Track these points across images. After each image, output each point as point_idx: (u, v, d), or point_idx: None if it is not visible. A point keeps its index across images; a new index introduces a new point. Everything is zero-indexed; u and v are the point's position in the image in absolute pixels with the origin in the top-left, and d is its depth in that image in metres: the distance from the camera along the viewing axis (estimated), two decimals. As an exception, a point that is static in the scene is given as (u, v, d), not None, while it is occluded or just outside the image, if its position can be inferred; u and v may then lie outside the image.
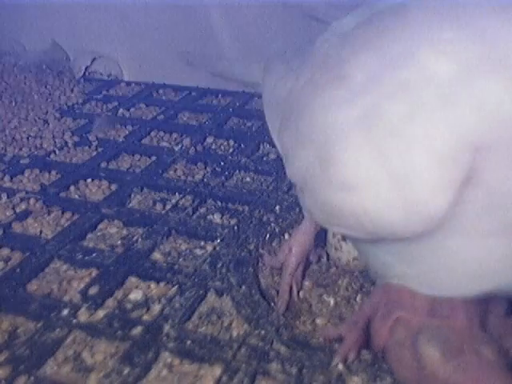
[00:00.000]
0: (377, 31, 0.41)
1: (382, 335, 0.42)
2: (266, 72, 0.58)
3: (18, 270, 0.58)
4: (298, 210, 0.65)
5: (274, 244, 0.63)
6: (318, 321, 0.52)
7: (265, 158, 0.82)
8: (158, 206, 0.70)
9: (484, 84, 0.33)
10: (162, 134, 0.92)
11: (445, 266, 0.39)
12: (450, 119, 0.33)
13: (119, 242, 0.63)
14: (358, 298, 0.55)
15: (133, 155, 0.84)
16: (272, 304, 0.53)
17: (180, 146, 0.86)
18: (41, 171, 0.79)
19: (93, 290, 0.54)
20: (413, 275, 0.42)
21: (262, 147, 0.86)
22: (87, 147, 0.87)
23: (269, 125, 0.55)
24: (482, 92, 0.33)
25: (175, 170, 0.79)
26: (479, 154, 0.33)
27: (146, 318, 0.51)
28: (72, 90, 1.10)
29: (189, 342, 0.48)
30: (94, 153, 0.85)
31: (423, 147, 0.34)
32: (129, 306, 0.53)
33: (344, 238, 0.56)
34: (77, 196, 0.73)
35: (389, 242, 0.39)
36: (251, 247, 0.60)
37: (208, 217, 0.68)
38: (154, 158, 0.83)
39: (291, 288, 0.55)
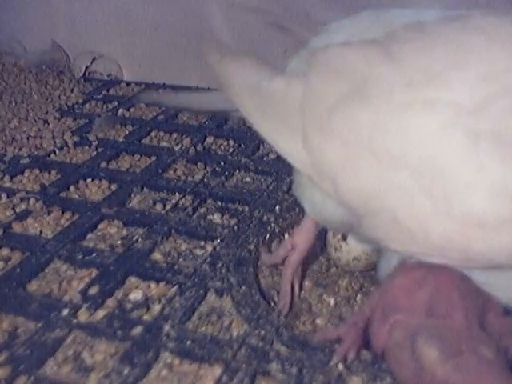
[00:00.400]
0: (449, 52, 0.38)
1: (381, 338, 0.42)
2: (230, 72, 0.50)
3: (18, 269, 0.58)
4: (297, 210, 0.65)
5: (274, 244, 0.63)
6: (318, 321, 0.52)
7: (265, 158, 0.82)
8: (158, 206, 0.70)
9: None
10: (161, 134, 0.92)
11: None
12: None
13: (119, 242, 0.63)
14: (358, 298, 0.55)
15: (133, 155, 0.84)
16: (272, 304, 0.54)
17: (180, 146, 0.86)
18: (41, 171, 0.79)
19: (93, 290, 0.55)
20: None
21: (261, 147, 0.86)
22: (87, 147, 0.87)
23: (267, 135, 0.50)
24: None
25: (175, 170, 0.79)
26: None
27: (146, 317, 0.51)
28: (72, 90, 1.10)
29: (189, 342, 0.48)
30: (94, 153, 0.85)
31: None
32: (129, 306, 0.53)
33: (344, 238, 0.56)
34: (77, 196, 0.73)
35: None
36: (251, 247, 0.60)
37: (208, 217, 0.68)
38: (153, 158, 0.83)
39: (293, 287, 0.54)
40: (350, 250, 0.56)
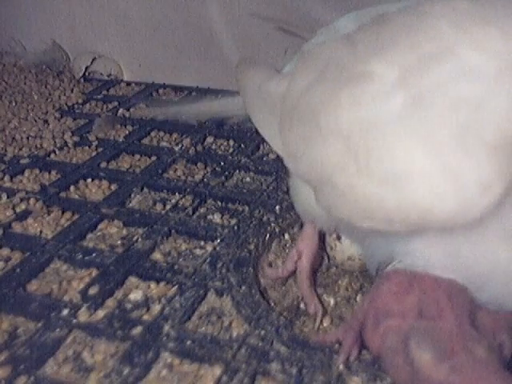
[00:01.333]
0: (399, 30, 0.41)
1: (375, 344, 0.42)
2: (242, 77, 0.58)
3: (18, 270, 0.58)
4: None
5: (274, 244, 0.63)
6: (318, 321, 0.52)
7: (265, 158, 0.82)
8: (158, 206, 0.70)
9: None
10: (161, 134, 0.92)
11: (479, 263, 0.39)
12: (498, 112, 0.34)
13: (119, 242, 0.63)
14: (357, 298, 0.55)
15: (133, 155, 0.84)
16: (272, 304, 0.54)
17: (180, 146, 0.86)
18: (41, 171, 0.79)
19: (93, 290, 0.54)
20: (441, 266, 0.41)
21: (261, 147, 0.86)
22: (87, 147, 0.87)
23: (259, 126, 0.55)
24: None
25: (175, 170, 0.79)
26: None
27: (146, 317, 0.51)
28: (72, 90, 1.10)
29: (189, 342, 0.48)
30: (94, 153, 0.85)
31: (475, 138, 0.34)
32: (129, 306, 0.53)
33: (338, 238, 0.56)
34: (77, 196, 0.73)
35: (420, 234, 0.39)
36: (251, 247, 0.60)
37: (208, 217, 0.68)
38: (154, 158, 0.83)
39: (315, 292, 0.55)
40: (344, 250, 0.56)
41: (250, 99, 0.56)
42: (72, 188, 0.74)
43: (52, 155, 0.84)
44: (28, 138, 0.89)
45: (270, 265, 0.60)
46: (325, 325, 0.52)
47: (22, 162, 0.81)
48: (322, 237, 0.58)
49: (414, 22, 0.41)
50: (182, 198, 0.71)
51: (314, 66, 0.46)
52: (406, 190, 0.36)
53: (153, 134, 0.92)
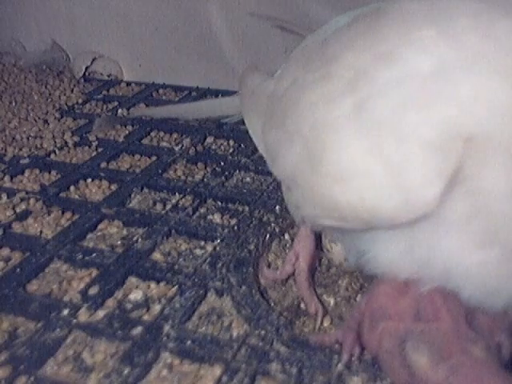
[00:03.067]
0: (360, 32, 0.42)
1: (373, 346, 0.42)
2: (242, 83, 0.60)
3: (18, 269, 0.58)
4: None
5: (274, 244, 0.63)
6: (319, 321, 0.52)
7: (265, 158, 0.82)
8: (158, 206, 0.70)
9: (464, 77, 0.35)
10: (162, 134, 0.92)
11: (432, 260, 0.39)
12: (438, 111, 0.35)
13: (119, 242, 0.63)
14: (357, 298, 0.55)
15: (133, 155, 0.84)
16: (272, 304, 0.54)
17: (180, 146, 0.86)
18: (41, 171, 0.79)
19: (93, 290, 0.55)
20: (401, 264, 0.42)
21: (262, 147, 0.86)
22: (87, 147, 0.87)
23: (249, 128, 0.57)
24: (463, 85, 0.35)
25: (175, 170, 0.79)
26: (468, 147, 0.34)
27: (146, 318, 0.51)
28: (72, 90, 1.10)
29: (189, 342, 0.48)
30: (94, 153, 0.85)
31: (415, 137, 0.35)
32: (129, 306, 0.53)
33: (333, 240, 0.56)
34: (77, 196, 0.73)
35: (380, 231, 0.40)
36: (251, 247, 0.60)
37: (208, 217, 0.68)
38: (154, 158, 0.83)
39: (315, 292, 0.55)
40: (341, 252, 0.56)
41: (245, 103, 0.58)
42: (72, 188, 0.74)
43: (52, 155, 0.84)
44: (28, 138, 0.89)
45: (269, 265, 0.60)
46: (325, 325, 0.52)
47: (22, 162, 0.81)
48: (318, 236, 0.58)
49: (374, 23, 0.42)
50: (182, 198, 0.71)
51: (293, 69, 0.48)
52: (353, 189, 0.38)
53: (153, 133, 0.92)
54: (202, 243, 0.63)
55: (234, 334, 0.49)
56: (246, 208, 0.69)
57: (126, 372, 0.45)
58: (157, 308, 0.53)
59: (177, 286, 0.55)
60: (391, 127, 0.36)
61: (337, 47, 0.44)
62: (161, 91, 1.11)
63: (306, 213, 0.44)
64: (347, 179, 0.38)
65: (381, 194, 0.37)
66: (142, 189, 0.74)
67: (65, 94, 1.08)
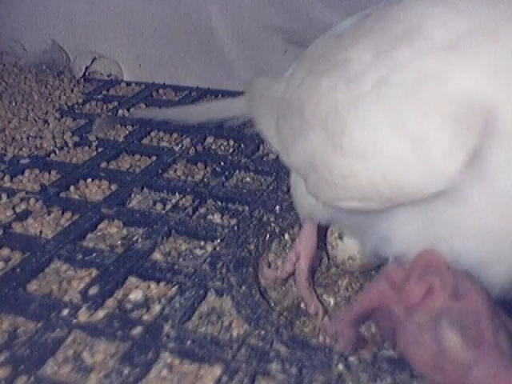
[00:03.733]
0: (376, 20, 0.43)
1: (415, 297, 0.41)
2: (251, 86, 0.61)
3: (18, 269, 0.58)
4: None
5: (274, 244, 0.63)
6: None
7: (265, 158, 0.82)
8: (158, 206, 0.70)
9: (480, 50, 0.36)
10: (161, 134, 0.92)
11: (453, 236, 0.40)
12: (460, 82, 0.35)
13: (119, 242, 0.63)
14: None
15: (133, 155, 0.84)
16: (272, 304, 0.54)
17: (180, 146, 0.86)
18: (41, 171, 0.79)
19: (93, 290, 0.54)
20: (421, 243, 0.42)
21: (261, 147, 0.86)
22: (87, 147, 0.87)
23: (260, 125, 0.58)
24: (480, 57, 0.35)
25: (175, 170, 0.79)
26: (491, 120, 0.35)
27: (146, 317, 0.51)
28: (72, 90, 1.10)
29: (189, 342, 0.48)
30: (94, 153, 0.85)
31: (437, 109, 0.36)
32: (129, 306, 0.53)
33: (340, 237, 0.56)
34: (77, 196, 0.73)
35: (397, 211, 0.41)
36: (251, 247, 0.60)
37: (208, 217, 0.68)
38: (154, 158, 0.83)
39: (315, 292, 0.55)
40: (346, 249, 0.56)
41: (254, 104, 0.59)
42: (72, 188, 0.74)
43: (52, 155, 0.84)
44: (28, 138, 0.89)
45: (269, 265, 0.60)
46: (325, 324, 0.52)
47: (22, 161, 0.81)
48: (320, 237, 0.58)
49: (389, 11, 0.43)
50: (182, 198, 0.71)
51: (307, 64, 0.49)
52: (375, 165, 0.38)
53: (153, 134, 0.92)
54: (202, 243, 0.63)
55: (234, 334, 0.49)
56: (246, 208, 0.69)
57: (125, 372, 0.45)
58: (157, 308, 0.53)
59: (177, 286, 0.55)
60: (411, 101, 0.37)
61: (353, 36, 0.44)
62: (161, 91, 1.11)
63: (324, 198, 0.44)
64: (369, 156, 0.38)
65: (403, 169, 0.37)
66: (142, 189, 0.74)
67: (65, 94, 1.08)
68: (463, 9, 0.38)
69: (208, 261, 0.59)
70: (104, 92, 1.11)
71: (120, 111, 1.00)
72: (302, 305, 0.54)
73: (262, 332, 0.49)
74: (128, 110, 1.01)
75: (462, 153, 0.35)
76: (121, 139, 0.89)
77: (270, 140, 0.55)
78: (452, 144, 0.35)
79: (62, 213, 0.68)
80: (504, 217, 0.37)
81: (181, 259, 0.60)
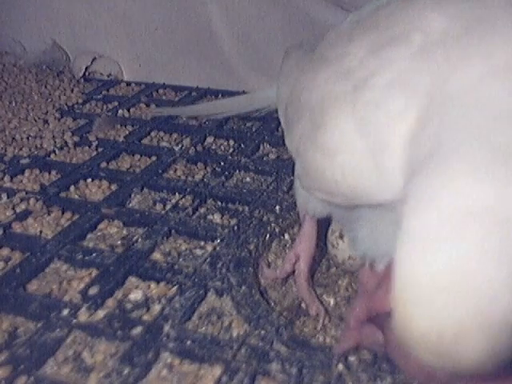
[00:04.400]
0: (383, 15, 0.44)
1: (384, 306, 0.41)
2: (283, 59, 0.62)
3: (18, 270, 0.58)
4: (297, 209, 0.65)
5: (274, 244, 0.63)
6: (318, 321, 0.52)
7: (265, 158, 0.82)
8: (158, 206, 0.70)
9: (443, 52, 0.36)
10: (161, 134, 0.92)
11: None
12: (418, 94, 0.35)
13: (119, 242, 0.63)
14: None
15: (133, 155, 0.84)
16: (272, 304, 0.54)
17: (180, 146, 0.86)
18: (41, 171, 0.79)
19: (93, 290, 0.54)
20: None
21: (261, 147, 0.86)
22: (87, 147, 0.87)
23: (278, 105, 0.59)
24: (441, 62, 0.35)
25: (175, 170, 0.79)
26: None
27: (146, 317, 0.51)
28: (72, 90, 1.10)
29: (189, 342, 0.48)
30: (94, 153, 0.85)
31: (396, 120, 0.36)
32: (129, 306, 0.53)
33: (341, 236, 0.56)
34: (77, 196, 0.73)
35: (361, 212, 0.42)
36: (251, 247, 0.60)
37: (208, 217, 0.68)
38: (153, 158, 0.83)
39: (315, 292, 0.55)
40: (346, 249, 0.56)
41: (281, 83, 0.60)
42: (72, 188, 0.74)
43: (52, 155, 0.84)
44: (28, 137, 0.89)
45: (269, 265, 0.60)
46: (324, 323, 0.52)
47: (22, 161, 0.81)
48: (320, 237, 0.58)
49: (399, 7, 0.43)
50: (182, 198, 0.71)
51: (322, 47, 0.50)
52: (338, 163, 0.39)
53: (153, 133, 0.92)
54: (202, 243, 0.63)
55: (234, 334, 0.49)
56: (246, 208, 0.69)
57: (125, 372, 0.45)
58: (157, 308, 0.53)
59: (177, 286, 0.55)
60: (377, 107, 0.37)
61: (359, 29, 0.45)
62: (161, 91, 1.11)
63: (305, 186, 0.46)
64: (334, 154, 0.39)
65: (361, 173, 0.38)
66: (142, 189, 0.74)
67: (65, 94, 1.08)
68: (450, 12, 0.38)
69: (208, 261, 0.59)
70: (104, 92, 1.11)
71: (120, 111, 1.00)
72: (302, 305, 0.54)
73: (262, 332, 0.49)
74: (128, 110, 1.01)
75: (408, 170, 0.35)
76: (121, 139, 0.89)
77: (281, 119, 0.57)
78: (400, 158, 0.35)
79: (62, 213, 0.68)
80: None
81: (181, 259, 0.60)
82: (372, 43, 0.41)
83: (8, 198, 0.71)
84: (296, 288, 0.56)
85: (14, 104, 1.02)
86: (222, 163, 0.80)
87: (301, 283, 0.55)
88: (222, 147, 0.86)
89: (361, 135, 0.37)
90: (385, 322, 0.43)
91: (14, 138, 0.89)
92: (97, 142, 0.87)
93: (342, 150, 0.39)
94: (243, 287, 0.54)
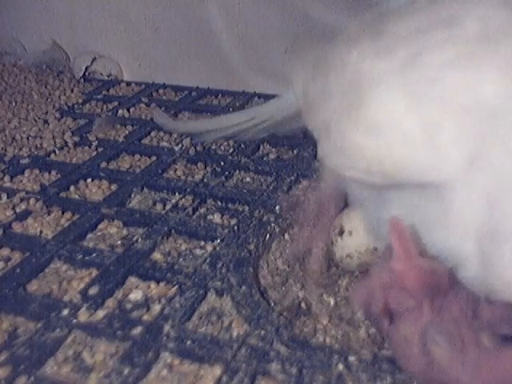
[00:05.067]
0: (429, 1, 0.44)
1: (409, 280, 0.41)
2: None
3: (18, 270, 0.58)
4: (297, 209, 0.65)
5: (274, 244, 0.63)
6: (318, 321, 0.52)
7: (265, 158, 0.82)
8: (158, 206, 0.70)
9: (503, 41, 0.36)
10: (161, 134, 0.92)
11: (433, 231, 0.40)
12: (475, 77, 0.36)
13: (119, 242, 0.63)
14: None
15: (133, 155, 0.84)
16: (272, 304, 0.54)
17: (180, 146, 0.86)
18: (41, 171, 0.79)
19: (93, 290, 0.54)
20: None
21: (261, 147, 0.86)
22: (87, 147, 0.87)
23: (295, 91, 0.58)
24: (500, 49, 0.36)
25: (175, 170, 0.79)
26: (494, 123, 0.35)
27: (146, 317, 0.51)
28: (72, 90, 1.10)
29: (189, 342, 0.48)
30: (94, 153, 0.85)
31: (453, 100, 0.36)
32: (129, 306, 0.53)
33: (340, 233, 0.56)
34: (77, 196, 0.73)
35: (390, 193, 0.42)
36: (251, 247, 0.60)
37: (208, 217, 0.68)
38: (153, 158, 0.83)
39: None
40: (344, 247, 0.56)
41: None
42: (72, 188, 0.74)
43: (52, 155, 0.84)
44: (28, 137, 0.89)
45: (268, 265, 0.60)
46: (324, 323, 0.52)
47: (22, 161, 0.81)
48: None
49: None
50: (182, 198, 0.71)
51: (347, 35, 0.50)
52: (383, 140, 0.39)
53: (153, 133, 0.92)
54: (202, 243, 0.63)
55: (234, 334, 0.49)
56: (246, 208, 0.69)
57: (126, 372, 0.45)
58: (157, 308, 0.53)
59: (177, 286, 0.55)
60: (431, 86, 0.37)
61: (405, 11, 0.45)
62: (161, 91, 1.11)
63: (331, 163, 0.46)
64: (381, 130, 0.39)
65: (410, 148, 0.37)
66: (142, 189, 0.74)
67: (65, 94, 1.08)
68: (499, 5, 0.38)
69: (208, 261, 0.59)
70: (104, 92, 1.11)
71: (120, 111, 1.00)
72: (302, 305, 0.54)
73: (262, 332, 0.49)
74: (128, 110, 1.01)
75: (469, 146, 0.35)
76: (121, 139, 0.89)
77: (299, 99, 0.56)
78: (461, 136, 0.35)
79: (62, 213, 0.68)
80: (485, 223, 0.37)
81: (181, 259, 0.60)
82: (418, 25, 0.41)
83: (8, 197, 0.71)
84: (297, 285, 0.56)
85: (13, 104, 1.02)
86: (222, 163, 0.80)
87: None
88: (222, 147, 0.86)
89: (411, 112, 0.37)
90: (391, 320, 0.43)
91: (14, 138, 0.89)
92: (97, 142, 0.87)
93: (391, 127, 0.38)
94: (243, 287, 0.54)
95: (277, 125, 0.73)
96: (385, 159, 0.39)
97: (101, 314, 0.51)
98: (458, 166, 0.36)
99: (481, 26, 0.38)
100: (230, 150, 0.85)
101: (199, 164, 0.80)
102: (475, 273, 0.39)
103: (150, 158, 0.83)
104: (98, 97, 1.08)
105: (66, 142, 0.87)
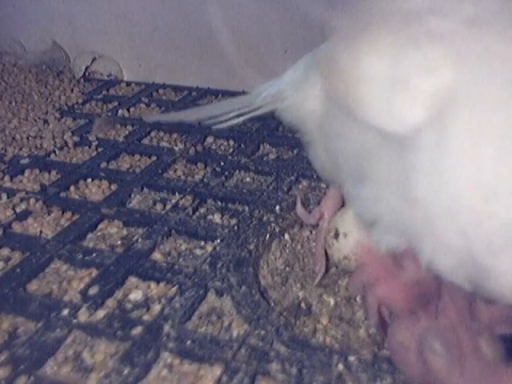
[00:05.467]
0: None
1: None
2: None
3: (18, 270, 0.58)
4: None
5: (274, 244, 0.63)
6: (318, 321, 0.52)
7: (265, 158, 0.82)
8: (158, 206, 0.70)
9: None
10: (161, 134, 0.92)
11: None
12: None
13: (119, 242, 0.63)
14: (358, 298, 0.55)
15: (133, 155, 0.84)
16: (272, 304, 0.54)
17: (180, 146, 0.86)
18: (41, 171, 0.79)
19: (93, 290, 0.54)
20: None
21: (261, 147, 0.86)
22: (87, 147, 0.87)
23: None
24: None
25: (175, 170, 0.79)
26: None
27: (146, 317, 0.51)
28: (72, 90, 1.10)
29: (189, 342, 0.48)
30: (94, 153, 0.85)
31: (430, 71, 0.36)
32: (129, 306, 0.53)
33: (336, 236, 0.56)
34: (77, 196, 0.73)
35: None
36: (251, 247, 0.60)
37: (208, 217, 0.68)
38: (154, 158, 0.83)
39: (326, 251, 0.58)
40: (341, 249, 0.56)
41: None
42: (72, 188, 0.74)
43: (52, 155, 0.84)
44: (28, 137, 0.89)
45: (268, 265, 0.60)
46: (324, 323, 0.52)
47: (22, 161, 0.81)
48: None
49: None
50: (182, 198, 0.71)
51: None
52: (364, 90, 0.39)
53: (153, 134, 0.92)
54: (202, 243, 0.63)
55: (234, 334, 0.49)
56: (246, 208, 0.69)
57: (125, 372, 0.45)
58: (157, 308, 0.53)
59: (177, 286, 0.55)
60: (415, 50, 0.37)
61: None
62: (161, 91, 1.11)
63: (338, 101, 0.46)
64: (358, 80, 0.40)
65: (378, 97, 0.38)
66: (142, 189, 0.74)
67: (65, 94, 1.08)
68: None
69: (208, 261, 0.59)
70: (104, 92, 1.11)
71: (120, 111, 1.00)
72: (302, 305, 0.54)
73: (262, 332, 0.49)
74: (128, 110, 1.01)
75: (424, 110, 0.35)
76: (121, 139, 0.89)
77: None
78: (418, 101, 0.35)
79: (62, 213, 0.68)
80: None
81: (181, 259, 0.60)
82: (413, 11, 0.40)
83: (8, 197, 0.71)
84: (297, 284, 0.56)
85: (13, 104, 1.02)
86: (222, 163, 0.80)
87: (319, 239, 0.59)
88: (222, 147, 0.86)
89: (390, 69, 0.38)
90: (389, 318, 0.43)
91: (14, 138, 0.89)
92: (97, 142, 0.87)
93: (367, 77, 0.39)
94: (243, 287, 0.54)
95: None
96: (357, 108, 0.40)
97: (101, 313, 0.51)
98: (419, 121, 0.36)
99: (473, 9, 0.37)
100: (230, 150, 0.85)
101: (199, 164, 0.80)
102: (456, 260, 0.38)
103: (150, 158, 0.83)
104: (98, 97, 1.08)
105: (66, 142, 0.87)
